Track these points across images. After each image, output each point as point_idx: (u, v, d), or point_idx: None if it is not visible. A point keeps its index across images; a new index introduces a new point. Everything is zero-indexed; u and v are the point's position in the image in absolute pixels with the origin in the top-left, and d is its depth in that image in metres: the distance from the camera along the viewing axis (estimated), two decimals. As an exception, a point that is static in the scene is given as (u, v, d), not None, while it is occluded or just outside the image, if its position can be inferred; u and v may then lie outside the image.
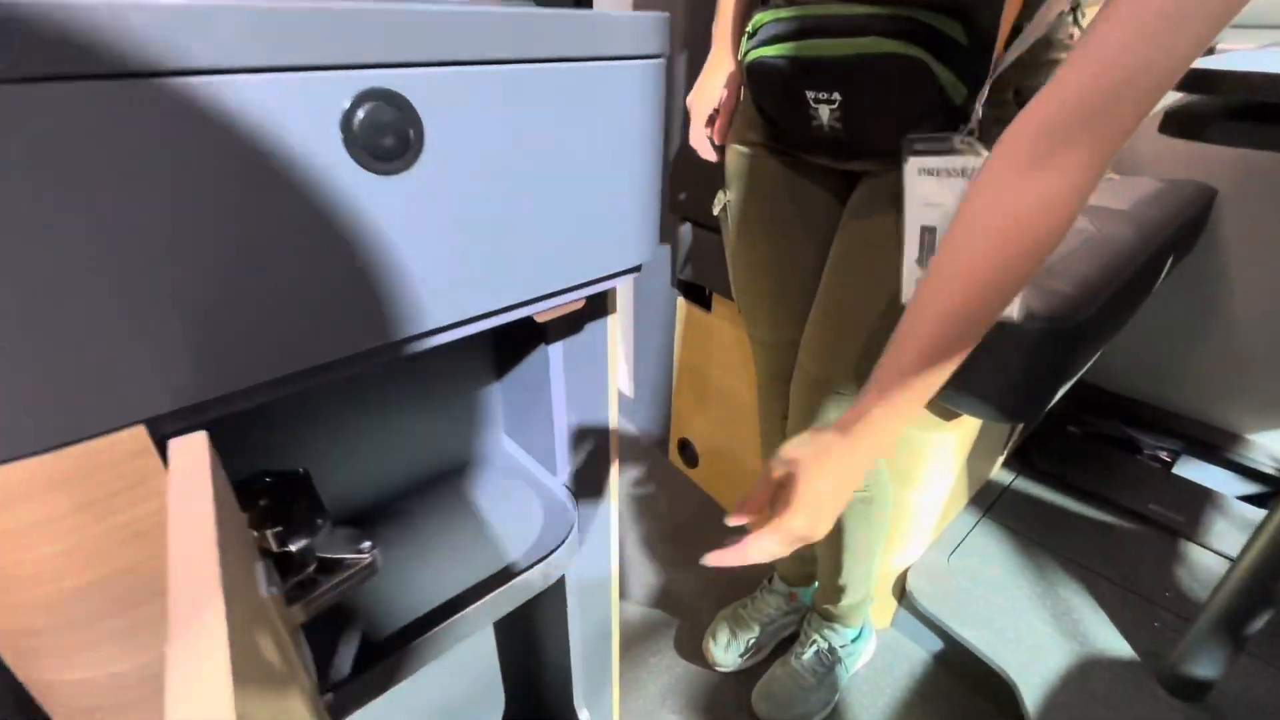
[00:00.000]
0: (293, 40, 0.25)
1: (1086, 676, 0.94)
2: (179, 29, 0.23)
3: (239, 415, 0.31)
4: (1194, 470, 1.44)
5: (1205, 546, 1.19)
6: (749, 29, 0.67)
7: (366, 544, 0.33)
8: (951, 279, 0.43)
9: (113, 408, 0.26)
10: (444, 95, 0.30)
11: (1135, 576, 1.12)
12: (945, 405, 0.90)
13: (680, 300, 1.38)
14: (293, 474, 0.38)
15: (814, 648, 1.02)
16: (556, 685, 0.84)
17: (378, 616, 0.50)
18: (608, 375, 0.59)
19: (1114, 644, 0.99)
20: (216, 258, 0.27)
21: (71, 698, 0.30)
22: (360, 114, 0.28)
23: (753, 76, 0.67)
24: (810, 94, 0.61)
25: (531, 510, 0.61)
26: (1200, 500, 1.30)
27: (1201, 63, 0.69)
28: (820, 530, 0.49)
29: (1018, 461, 1.42)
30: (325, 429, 0.55)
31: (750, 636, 1.09)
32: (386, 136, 0.29)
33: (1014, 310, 0.51)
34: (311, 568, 0.32)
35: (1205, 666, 0.87)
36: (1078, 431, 1.54)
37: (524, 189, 0.35)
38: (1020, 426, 1.36)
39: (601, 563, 0.70)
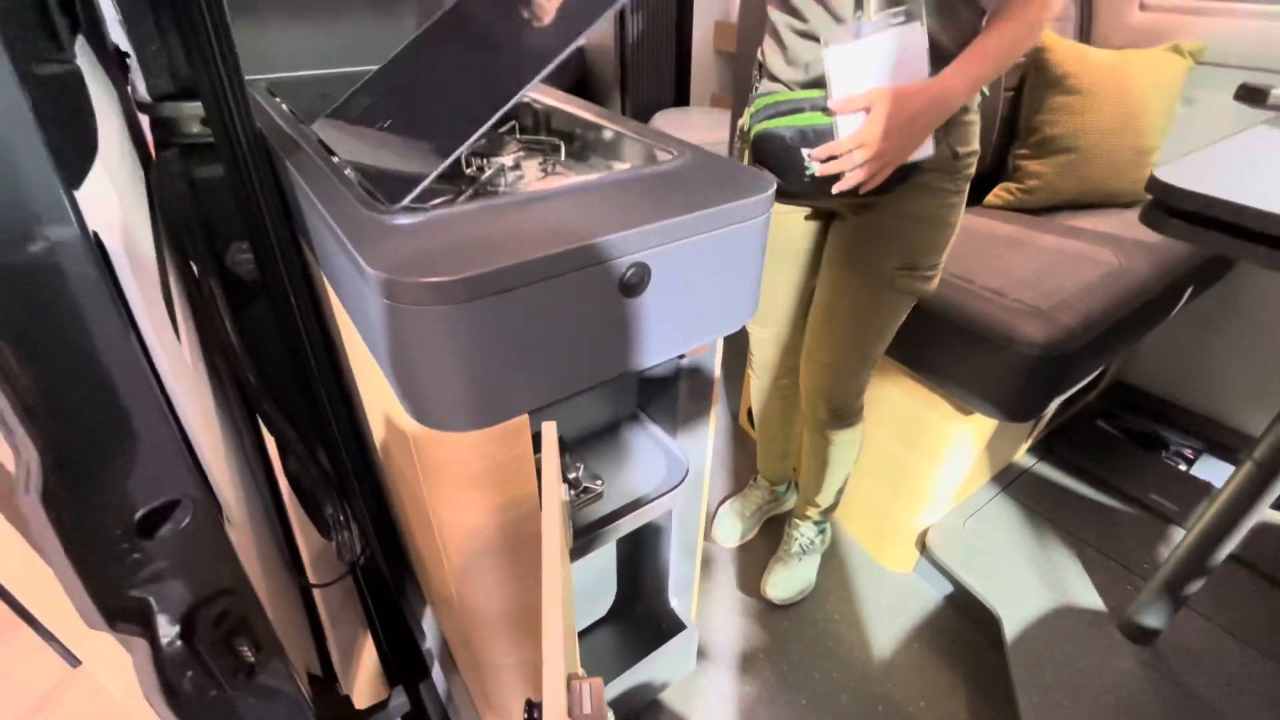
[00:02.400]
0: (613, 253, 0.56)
1: (1059, 618, 1.21)
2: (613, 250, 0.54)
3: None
4: (1213, 469, 1.63)
5: (1192, 532, 1.40)
6: (752, 109, 0.85)
7: (600, 480, 0.65)
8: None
9: (513, 407, 0.59)
10: (665, 260, 0.60)
11: (1121, 550, 1.36)
12: (963, 403, 1.16)
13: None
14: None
15: (797, 543, 1.38)
16: (655, 583, 1.18)
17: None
18: (714, 376, 0.89)
19: (1088, 598, 1.25)
20: (560, 350, 0.59)
21: (466, 540, 0.65)
22: (628, 274, 0.59)
23: (758, 142, 0.83)
24: (807, 153, 0.78)
25: (657, 460, 0.93)
26: (1198, 494, 1.50)
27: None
28: (890, 150, 0.71)
29: (1043, 448, 1.64)
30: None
31: (748, 523, 1.49)
32: (635, 281, 0.60)
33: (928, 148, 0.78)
34: (578, 490, 0.65)
35: (1153, 617, 1.13)
36: (1106, 426, 1.74)
37: (695, 294, 0.66)
38: (1045, 418, 1.58)
39: (696, 499, 1.02)
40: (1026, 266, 1.22)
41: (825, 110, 0.76)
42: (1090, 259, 1.25)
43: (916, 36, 0.71)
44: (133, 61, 1.09)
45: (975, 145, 0.86)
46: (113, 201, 0.55)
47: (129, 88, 1.25)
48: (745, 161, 0.93)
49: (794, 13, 0.81)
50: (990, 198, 1.53)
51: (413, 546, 1.19)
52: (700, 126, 2.26)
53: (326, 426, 1.07)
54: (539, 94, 1.02)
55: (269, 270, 0.89)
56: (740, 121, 0.93)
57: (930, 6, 0.73)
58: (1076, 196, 1.47)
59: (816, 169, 0.78)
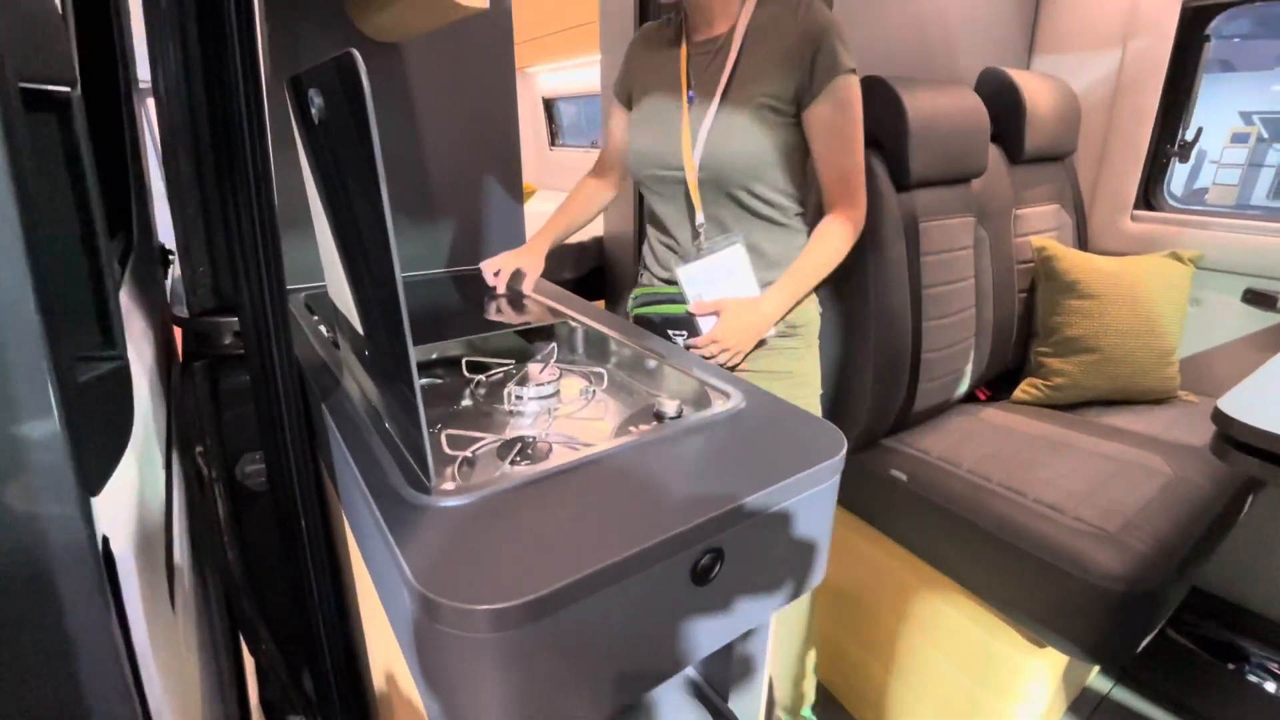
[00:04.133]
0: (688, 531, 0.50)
1: None
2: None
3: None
4: (1306, 688, 1.44)
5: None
6: (634, 295, 1.10)
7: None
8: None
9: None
10: (738, 539, 0.54)
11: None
12: (1041, 639, 1.03)
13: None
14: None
15: None
16: None
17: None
18: (769, 630, 0.79)
19: None
20: (622, 656, 0.50)
21: None
22: (701, 562, 0.52)
23: (637, 321, 1.07)
24: (671, 332, 1.01)
25: (708, 731, 0.80)
26: (1309, 730, 1.31)
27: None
28: (738, 344, 0.94)
29: (1116, 668, 1.47)
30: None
31: None
32: (708, 566, 0.53)
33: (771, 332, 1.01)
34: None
35: None
36: (1178, 636, 1.57)
37: (766, 567, 0.58)
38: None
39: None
40: (1076, 476, 1.16)
41: (685, 308, 1.00)
42: (1141, 467, 1.19)
43: (739, 256, 0.96)
44: (173, 262, 1.11)
45: (809, 311, 1.05)
46: (132, 490, 0.50)
47: (167, 290, 1.28)
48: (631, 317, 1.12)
49: (660, 232, 1.06)
50: (1019, 394, 1.52)
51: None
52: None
53: (318, 652, 0.94)
54: (577, 312, 1.03)
55: (282, 491, 0.83)
56: (628, 303, 1.15)
57: (749, 233, 0.97)
58: (1106, 393, 1.46)
59: (681, 343, 1.00)
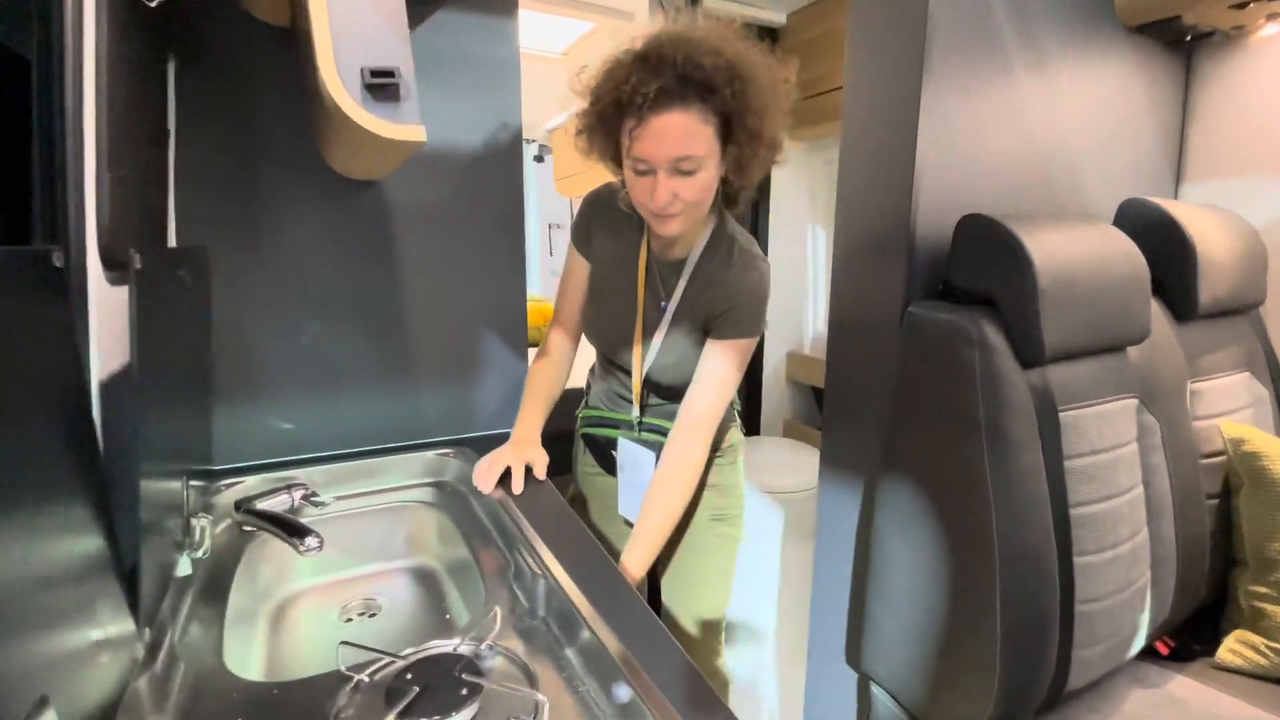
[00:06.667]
0: None
1: None
2: None
3: None
4: None
5: None
6: (582, 414, 1.16)
7: None
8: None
9: None
10: None
11: None
12: None
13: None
14: None
15: None
16: None
17: None
18: None
19: None
20: None
21: None
22: None
23: (585, 438, 1.15)
24: (614, 452, 1.08)
25: None
26: None
27: None
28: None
29: None
30: None
31: None
32: None
33: None
34: None
35: None
36: None
37: None
38: None
39: None
40: None
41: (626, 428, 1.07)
42: None
43: (648, 465, 1.01)
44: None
45: (735, 434, 1.13)
46: None
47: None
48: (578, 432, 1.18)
49: (606, 381, 1.10)
50: (1226, 654, 1.02)
51: None
52: (786, 466, 1.94)
53: None
54: (542, 540, 0.71)
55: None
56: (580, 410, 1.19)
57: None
58: (1382, 672, 0.94)
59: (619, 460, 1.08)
